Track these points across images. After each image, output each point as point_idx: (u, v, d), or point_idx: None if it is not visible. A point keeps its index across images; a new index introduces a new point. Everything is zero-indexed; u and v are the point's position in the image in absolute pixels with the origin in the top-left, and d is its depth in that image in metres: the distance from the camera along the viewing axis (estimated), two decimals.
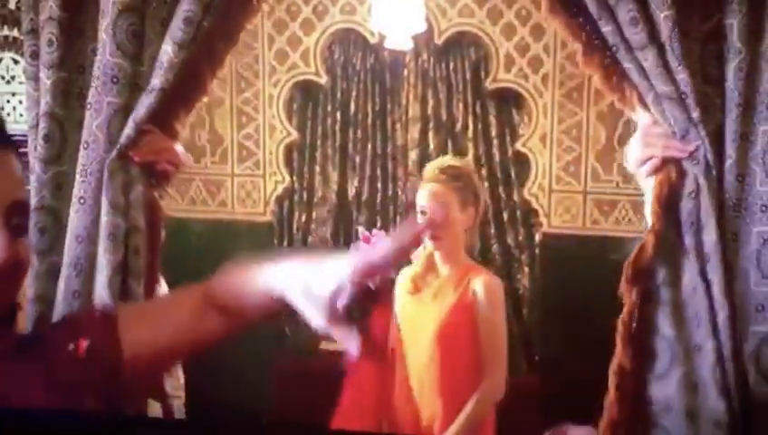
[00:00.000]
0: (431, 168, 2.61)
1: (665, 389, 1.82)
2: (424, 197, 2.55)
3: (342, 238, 3.56)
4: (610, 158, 3.25)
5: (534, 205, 3.38)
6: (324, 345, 3.30)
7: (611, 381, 1.83)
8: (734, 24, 1.73)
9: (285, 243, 3.57)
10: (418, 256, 2.64)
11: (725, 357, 1.75)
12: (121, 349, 1.16)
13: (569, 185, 3.32)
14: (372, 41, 3.35)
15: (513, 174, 3.47)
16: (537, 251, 3.48)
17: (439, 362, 2.53)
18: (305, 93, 3.53)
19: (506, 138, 3.46)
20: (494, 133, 3.47)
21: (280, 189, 3.51)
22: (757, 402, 1.76)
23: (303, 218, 3.60)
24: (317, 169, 3.59)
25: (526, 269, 3.49)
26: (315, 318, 0.99)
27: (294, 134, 3.47)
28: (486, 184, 3.49)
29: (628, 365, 1.79)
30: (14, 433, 0.83)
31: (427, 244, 2.60)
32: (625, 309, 1.82)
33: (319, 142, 3.56)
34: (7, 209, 0.97)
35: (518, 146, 3.36)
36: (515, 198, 3.46)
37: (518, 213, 3.48)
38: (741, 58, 1.73)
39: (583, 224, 3.34)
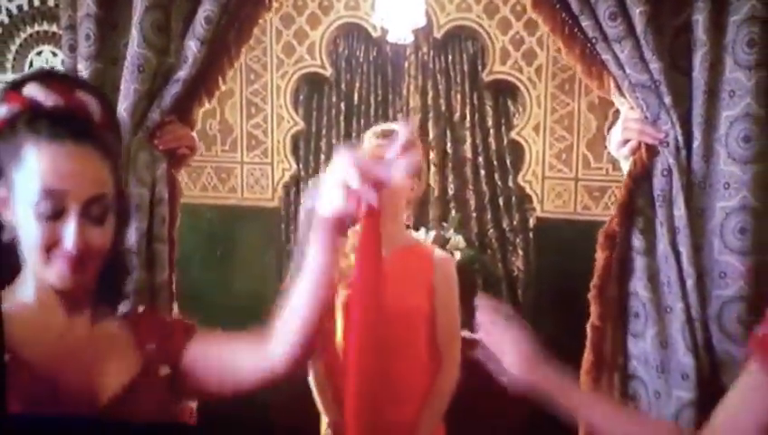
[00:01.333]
0: (377, 130, 2.41)
1: (641, 345, 2.02)
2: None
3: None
4: (600, 146, 3.39)
5: (528, 191, 3.54)
6: None
7: (588, 337, 2.06)
8: (699, 19, 1.90)
9: (292, 228, 3.70)
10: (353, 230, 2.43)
11: (693, 318, 1.93)
12: (181, 360, 1.35)
13: (561, 172, 3.48)
14: (375, 35, 3.51)
15: (508, 162, 3.63)
16: (531, 235, 3.64)
17: (398, 348, 2.30)
18: (311, 85, 3.68)
19: (502, 127, 3.63)
20: (490, 123, 3.63)
21: (287, 176, 3.66)
22: (719, 358, 1.96)
23: None
24: (322, 157, 3.72)
25: (520, 252, 3.66)
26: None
27: (301, 124, 3.62)
28: (483, 172, 3.69)
29: (598, 323, 2.00)
30: None
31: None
32: (596, 273, 2.04)
33: (324, 132, 3.71)
34: (86, 202, 1.15)
35: (513, 135, 3.52)
36: (510, 184, 3.62)
37: (513, 199, 3.64)
38: (706, 50, 1.91)
39: (574, 209, 3.50)
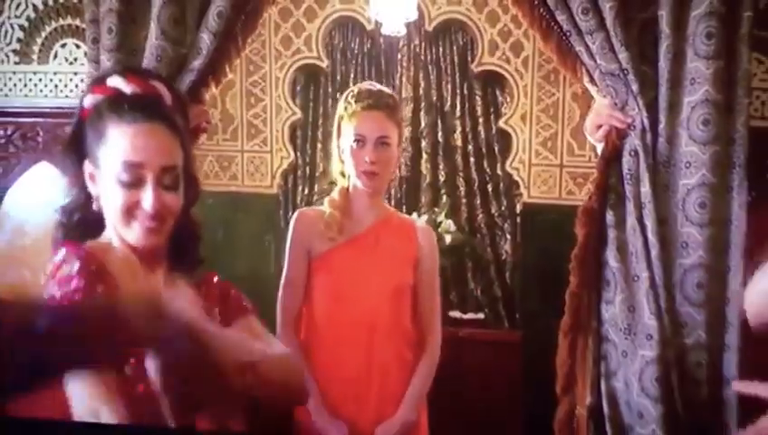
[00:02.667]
0: (373, 93, 2.32)
1: (612, 310, 2.27)
2: (365, 124, 2.26)
3: None
4: (584, 134, 3.62)
5: (516, 177, 3.69)
6: None
7: (567, 304, 2.30)
8: (663, 13, 2.15)
9: (290, 213, 3.90)
10: (332, 200, 2.39)
11: (657, 285, 2.18)
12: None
13: (546, 159, 3.65)
14: (369, 28, 3.66)
15: (496, 149, 3.81)
16: (518, 219, 3.80)
17: (388, 323, 2.33)
18: (308, 76, 3.85)
19: (491, 116, 3.80)
20: (479, 112, 3.81)
21: (285, 164, 3.81)
22: (681, 320, 2.20)
23: (306, 190, 3.94)
24: (319, 145, 3.91)
25: (508, 236, 3.84)
26: None
27: (298, 113, 3.77)
28: (473, 159, 3.91)
29: (576, 290, 2.25)
30: None
31: (345, 182, 2.35)
32: (577, 246, 2.28)
33: (320, 121, 3.88)
34: (159, 171, 1.38)
35: (501, 124, 3.68)
36: (499, 171, 3.80)
37: (501, 185, 3.82)
38: (669, 42, 2.16)
39: (560, 194, 3.66)
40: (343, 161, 2.34)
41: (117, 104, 1.39)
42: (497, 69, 3.66)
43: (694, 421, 2.20)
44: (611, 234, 2.23)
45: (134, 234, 1.41)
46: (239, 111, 3.79)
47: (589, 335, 2.29)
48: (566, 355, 2.28)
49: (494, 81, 3.77)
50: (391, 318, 2.33)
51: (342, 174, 2.37)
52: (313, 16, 3.71)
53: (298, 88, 3.89)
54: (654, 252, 2.17)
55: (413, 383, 2.34)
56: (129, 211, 1.39)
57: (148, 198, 1.38)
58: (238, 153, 3.83)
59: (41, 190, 2.57)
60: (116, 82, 1.41)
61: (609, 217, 2.23)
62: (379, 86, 2.41)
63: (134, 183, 1.37)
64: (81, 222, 1.48)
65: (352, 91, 2.34)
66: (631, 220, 2.20)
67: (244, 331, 1.56)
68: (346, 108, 2.31)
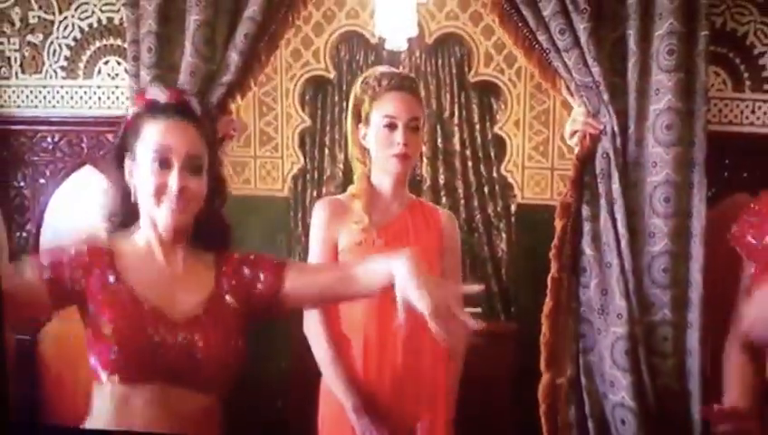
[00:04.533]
0: (396, 75, 2.32)
1: (588, 294, 2.63)
2: (395, 105, 2.23)
3: None
4: None
5: (510, 180, 3.98)
6: None
7: (549, 288, 2.66)
8: (631, 33, 2.51)
9: (300, 215, 4.18)
10: (355, 188, 2.36)
11: (626, 270, 2.53)
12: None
13: (539, 162, 3.93)
14: (373, 41, 3.94)
15: (492, 154, 4.07)
16: (513, 219, 4.08)
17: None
18: (316, 86, 4.12)
19: (486, 123, 4.07)
20: (476, 119, 4.08)
21: (295, 169, 4.09)
22: (648, 301, 2.55)
23: (315, 194, 4.18)
24: (326, 151, 4.17)
25: (504, 235, 4.10)
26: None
27: (307, 121, 4.06)
28: (470, 163, 4.19)
29: (557, 275, 2.61)
30: None
31: (364, 168, 2.33)
32: (556, 236, 2.65)
33: (328, 128, 4.15)
34: (184, 158, 1.68)
35: (496, 130, 3.97)
36: (494, 174, 4.07)
37: (497, 187, 4.08)
38: (636, 58, 2.52)
39: (551, 195, 3.89)
40: (365, 147, 2.30)
41: (154, 108, 1.73)
42: (492, 79, 3.94)
43: (659, 389, 2.55)
44: (587, 226, 2.59)
45: (162, 214, 1.70)
46: (252, 119, 4.06)
47: (568, 316, 2.65)
48: (549, 334, 2.63)
49: (489, 90, 4.04)
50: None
51: (361, 160, 2.33)
52: (321, 31, 4.00)
53: (307, 98, 4.16)
54: (624, 241, 2.52)
55: (449, 379, 2.35)
56: (159, 192, 1.68)
57: (174, 178, 1.67)
58: (251, 159, 4.10)
59: (84, 192, 2.96)
60: (154, 93, 1.78)
61: (585, 211, 2.59)
62: (396, 69, 2.43)
63: (162, 165, 1.68)
64: (123, 221, 1.79)
65: (371, 74, 2.31)
66: (604, 214, 2.56)
67: (301, 275, 1.83)
68: (366, 90, 2.28)
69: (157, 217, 1.73)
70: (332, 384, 2.28)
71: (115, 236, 1.79)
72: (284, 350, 3.53)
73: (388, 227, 2.27)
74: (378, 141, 2.24)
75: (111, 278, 1.72)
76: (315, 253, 2.31)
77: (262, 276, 1.81)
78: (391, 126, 2.21)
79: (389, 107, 2.21)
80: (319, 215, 2.32)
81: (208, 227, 1.81)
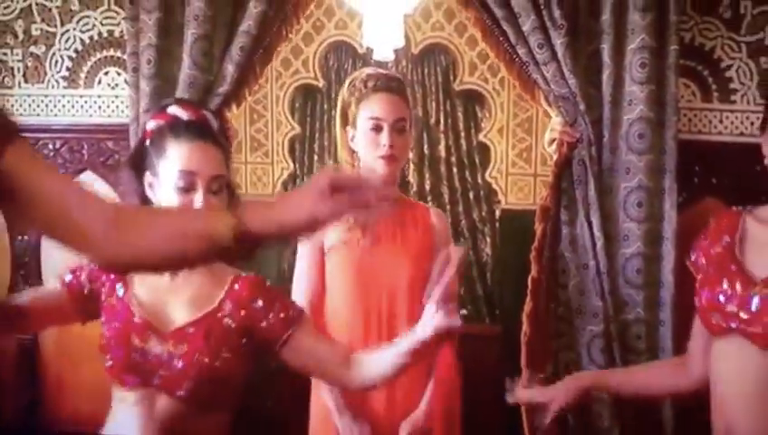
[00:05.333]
0: (382, 76, 2.31)
1: (566, 294, 2.79)
2: (381, 106, 2.23)
3: None
4: None
5: (494, 186, 4.10)
6: None
7: (529, 288, 2.82)
8: (605, 47, 2.69)
9: None
10: None
11: (602, 272, 2.70)
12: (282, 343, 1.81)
13: (522, 169, 4.06)
14: (361, 51, 4.05)
15: (477, 160, 4.21)
16: (497, 224, 4.20)
17: (407, 313, 2.27)
18: (305, 94, 4.24)
19: (471, 130, 4.20)
20: (461, 127, 4.21)
21: (285, 175, 4.19)
22: (622, 300, 2.72)
23: None
24: (315, 157, 4.28)
25: (488, 239, 4.24)
26: None
27: (297, 128, 4.17)
28: (455, 169, 4.28)
29: (536, 276, 2.78)
30: None
31: (354, 170, 2.28)
32: (536, 239, 2.82)
33: (317, 135, 4.26)
34: (208, 180, 1.77)
35: (481, 137, 4.10)
36: (479, 180, 4.21)
37: (481, 193, 4.21)
38: (611, 70, 2.69)
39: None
40: (353, 149, 2.30)
41: (176, 127, 1.82)
42: (477, 88, 4.08)
43: None
44: (564, 230, 2.77)
45: None
46: (243, 126, 4.15)
47: (548, 315, 2.81)
48: (529, 332, 2.79)
49: (473, 98, 4.17)
50: (410, 308, 2.25)
51: (350, 162, 2.33)
52: (310, 41, 4.12)
53: (296, 105, 4.27)
54: (599, 244, 2.70)
55: (433, 374, 2.34)
56: None
57: (199, 200, 1.77)
58: (242, 165, 4.19)
59: None
60: (174, 110, 1.91)
61: (563, 215, 2.76)
62: (383, 69, 2.41)
63: (188, 188, 1.77)
64: None
65: (358, 76, 2.32)
66: (581, 218, 2.73)
67: (308, 339, 1.85)
68: (353, 92, 2.29)
69: None
70: (317, 385, 2.33)
71: None
72: None
73: (373, 227, 2.28)
74: (364, 143, 2.25)
75: (120, 291, 1.85)
76: (302, 254, 2.35)
77: (272, 316, 1.84)
78: (377, 128, 2.22)
79: (375, 108, 2.22)
80: None
81: None
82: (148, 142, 1.86)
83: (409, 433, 2.27)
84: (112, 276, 1.86)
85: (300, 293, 2.31)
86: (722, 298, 1.82)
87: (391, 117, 2.22)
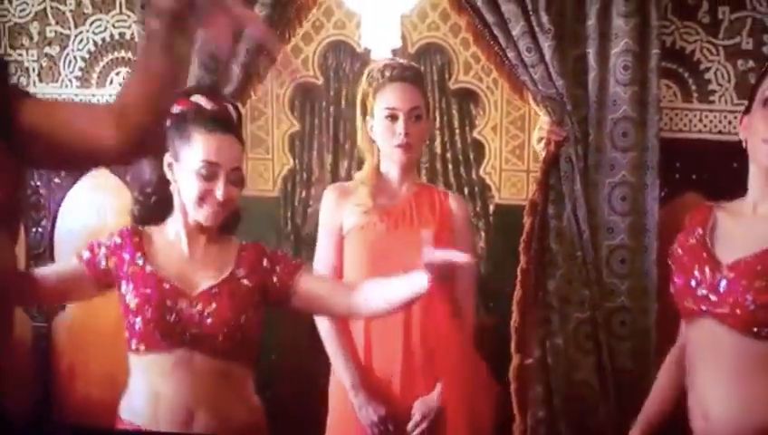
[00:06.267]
0: (398, 66, 2.38)
1: (553, 284, 2.98)
2: (396, 96, 2.31)
3: None
4: None
5: (488, 181, 4.21)
6: None
7: (518, 278, 3.03)
8: (591, 51, 2.88)
9: (289, 214, 4.40)
10: (361, 175, 2.45)
11: (588, 262, 2.90)
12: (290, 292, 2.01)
13: (515, 165, 4.15)
14: (359, 50, 4.13)
15: (471, 157, 4.30)
16: (491, 219, 4.30)
17: (421, 301, 2.15)
18: (305, 92, 4.32)
19: (466, 128, 4.30)
20: (456, 124, 4.31)
21: (285, 170, 4.29)
22: (606, 289, 2.92)
23: (304, 194, 4.41)
24: (314, 153, 4.38)
25: (483, 234, 4.36)
26: None
27: (297, 125, 4.27)
28: (451, 165, 4.38)
29: (525, 267, 2.98)
30: None
31: (373, 159, 2.40)
32: (525, 232, 3.02)
33: (316, 132, 4.36)
34: (229, 171, 1.94)
35: (475, 134, 4.21)
36: (474, 176, 4.31)
37: (476, 188, 4.31)
38: (596, 73, 2.89)
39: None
40: (372, 139, 2.39)
41: (201, 116, 1.98)
42: (471, 86, 4.16)
43: (617, 368, 2.93)
44: (552, 223, 2.95)
45: (203, 215, 1.97)
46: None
47: (536, 303, 3.00)
48: (519, 319, 3.00)
49: (468, 97, 4.26)
50: (427, 293, 2.18)
51: (369, 151, 2.42)
52: (310, 40, 4.21)
53: (296, 103, 4.34)
54: (585, 236, 2.90)
55: (460, 346, 2.43)
56: (203, 198, 1.95)
57: (220, 189, 1.94)
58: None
59: (96, 192, 3.33)
60: (198, 98, 2.07)
61: (551, 209, 2.95)
62: (400, 59, 2.52)
63: (210, 177, 1.95)
64: (156, 203, 2.07)
65: (375, 67, 2.42)
66: (567, 212, 2.92)
67: (312, 282, 2.05)
68: (371, 83, 2.37)
69: (196, 215, 2.01)
70: (334, 362, 2.42)
71: (148, 227, 2.10)
72: (274, 343, 3.84)
73: (390, 211, 2.38)
74: (381, 133, 2.34)
75: (140, 261, 2.03)
76: (322, 236, 2.45)
77: (278, 269, 2.04)
78: (393, 117, 2.30)
79: (390, 98, 2.31)
80: (327, 201, 2.47)
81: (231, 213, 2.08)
82: (168, 124, 1.98)
83: (422, 413, 2.37)
84: (130, 249, 2.04)
85: (320, 272, 2.39)
86: (693, 283, 2.03)
87: (406, 106, 2.31)
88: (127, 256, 2.04)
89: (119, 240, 2.08)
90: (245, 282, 2.04)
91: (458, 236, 2.41)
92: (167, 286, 2.01)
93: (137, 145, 1.39)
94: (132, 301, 2.01)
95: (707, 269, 1.99)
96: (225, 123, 2.02)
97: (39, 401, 3.42)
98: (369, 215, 2.37)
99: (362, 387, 2.36)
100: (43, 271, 2.17)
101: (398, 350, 2.38)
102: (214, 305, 1.99)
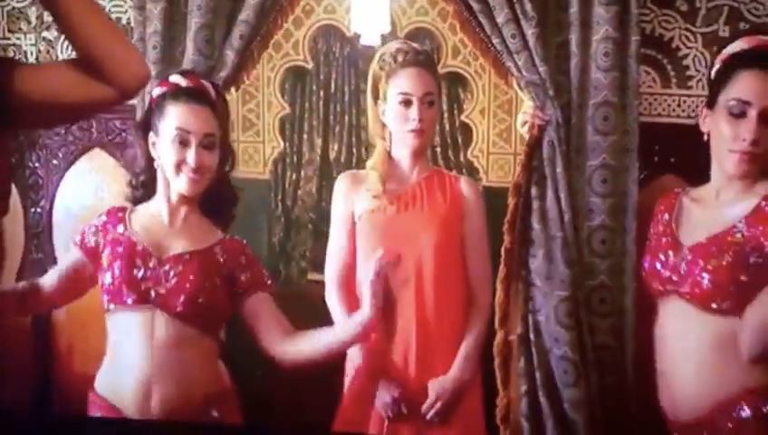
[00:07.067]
0: (411, 50, 2.41)
1: (536, 262, 3.10)
2: (410, 81, 2.36)
3: (324, 192, 4.41)
4: None
5: (476, 164, 4.37)
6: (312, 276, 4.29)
7: (502, 257, 3.15)
8: (573, 38, 2.99)
9: (280, 196, 4.57)
10: (372, 162, 2.52)
11: (569, 242, 3.01)
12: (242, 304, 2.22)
13: (502, 148, 4.33)
14: (348, 34, 4.29)
15: (459, 140, 4.49)
16: None
17: (435, 280, 2.43)
18: (295, 76, 4.49)
19: (454, 111, 4.46)
20: (444, 108, 4.38)
21: (276, 153, 4.44)
22: (587, 268, 3.05)
23: (294, 177, 4.57)
24: (305, 136, 4.54)
25: None
26: None
27: (287, 108, 4.40)
28: (439, 149, 4.52)
29: (509, 246, 3.12)
30: None
31: (384, 144, 2.46)
32: (509, 213, 3.16)
33: (306, 115, 4.53)
34: (200, 137, 2.17)
35: (463, 117, 4.37)
36: (462, 159, 4.49)
37: (464, 171, 4.38)
38: (578, 59, 3.00)
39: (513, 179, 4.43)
40: (384, 124, 2.46)
41: (175, 92, 2.21)
42: (459, 70, 4.32)
43: (598, 344, 3.07)
44: (535, 204, 3.06)
45: (181, 183, 2.20)
46: (235, 106, 4.33)
47: (519, 282, 3.13)
48: (503, 297, 3.10)
49: (456, 80, 4.41)
50: (438, 275, 2.43)
51: (381, 135, 2.50)
52: (300, 24, 4.35)
53: (287, 86, 4.50)
54: (567, 217, 3.01)
55: (466, 342, 2.53)
56: (179, 165, 2.18)
57: (191, 154, 2.17)
58: (235, 143, 4.14)
59: (93, 173, 3.47)
60: (176, 78, 2.28)
61: (534, 191, 3.06)
62: (411, 43, 2.57)
63: (183, 143, 2.16)
64: (145, 184, 2.29)
65: (387, 51, 2.48)
66: (550, 193, 3.04)
67: (259, 304, 2.26)
68: (382, 67, 2.45)
69: (176, 185, 2.22)
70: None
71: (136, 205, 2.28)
72: None
73: (400, 196, 2.48)
74: (394, 117, 2.41)
75: (120, 229, 2.24)
76: (335, 224, 2.56)
77: (250, 272, 2.27)
78: (406, 102, 2.38)
79: (404, 84, 2.38)
80: (339, 187, 2.56)
81: (218, 192, 2.30)
82: (153, 107, 2.25)
83: (437, 393, 2.49)
84: (113, 221, 2.25)
85: (333, 258, 2.54)
86: (659, 265, 2.21)
87: (420, 91, 2.39)
88: (110, 228, 2.25)
89: (105, 218, 2.28)
90: (219, 257, 2.24)
91: (470, 218, 2.56)
92: (139, 248, 2.21)
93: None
94: (106, 260, 2.20)
95: (671, 252, 2.17)
96: (197, 95, 2.22)
97: (38, 381, 3.57)
98: (379, 199, 2.46)
99: (379, 369, 2.48)
100: (48, 278, 2.36)
101: (412, 331, 2.48)
102: (180, 268, 2.18)
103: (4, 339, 2.64)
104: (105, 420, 2.16)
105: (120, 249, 2.22)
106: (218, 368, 2.35)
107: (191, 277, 2.17)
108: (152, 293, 2.17)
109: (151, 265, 2.19)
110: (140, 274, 2.18)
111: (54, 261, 3.36)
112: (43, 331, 3.56)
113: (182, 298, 2.16)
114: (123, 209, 2.35)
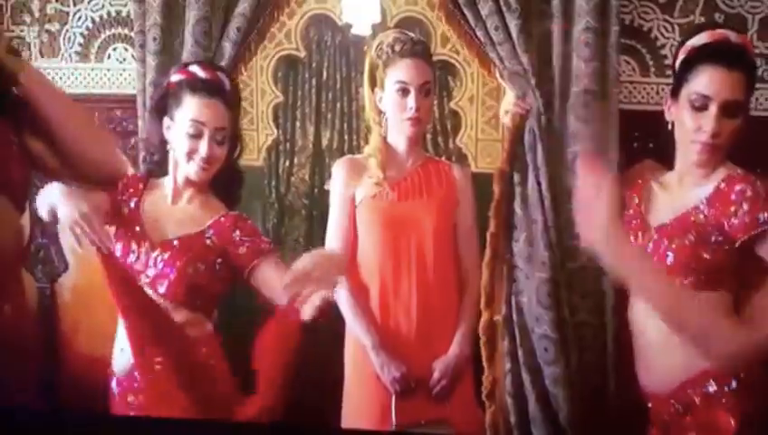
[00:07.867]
0: (409, 40, 2.50)
1: (519, 246, 3.28)
2: (408, 71, 2.45)
3: (317, 179, 4.54)
4: None
5: (465, 151, 4.39)
6: None
7: (488, 241, 3.28)
8: (555, 29, 3.16)
9: (273, 183, 4.63)
10: (371, 148, 2.60)
11: (549, 226, 3.18)
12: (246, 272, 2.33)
13: (490, 135, 4.30)
14: (340, 24, 4.33)
15: (448, 127, 4.54)
16: None
17: (433, 263, 2.55)
18: (288, 64, 4.54)
19: (443, 99, 4.47)
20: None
21: (269, 141, 4.49)
22: (567, 250, 3.22)
23: (287, 163, 4.63)
24: (297, 124, 4.60)
25: None
26: None
27: (280, 97, 4.47)
28: (429, 136, 4.46)
29: (494, 231, 3.28)
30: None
31: (380, 129, 2.55)
32: (494, 198, 3.32)
33: (299, 103, 4.58)
34: (213, 130, 2.32)
35: (452, 105, 4.41)
36: (451, 146, 4.53)
37: (453, 158, 4.40)
38: (559, 49, 3.16)
39: None
40: (381, 111, 2.55)
41: (193, 83, 2.36)
42: (448, 59, 4.33)
43: (578, 323, 3.26)
44: (517, 190, 3.24)
45: (192, 170, 2.37)
46: None
47: (503, 264, 3.31)
48: (488, 279, 3.26)
49: (446, 68, 4.41)
50: (436, 259, 2.56)
51: (377, 122, 2.59)
52: (293, 14, 4.35)
53: (279, 75, 4.54)
54: (547, 202, 3.18)
55: (463, 321, 2.68)
56: (190, 155, 2.35)
57: (204, 147, 2.34)
58: None
59: None
60: (195, 68, 2.44)
61: (516, 177, 3.25)
62: (408, 33, 2.67)
63: (196, 135, 2.33)
64: (158, 161, 2.46)
65: (384, 40, 2.58)
66: (531, 179, 3.21)
67: (266, 274, 2.36)
68: (380, 55, 2.55)
69: (186, 169, 2.39)
70: (353, 327, 2.63)
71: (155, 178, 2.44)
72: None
73: (400, 182, 2.59)
74: (391, 106, 2.51)
75: (132, 204, 2.41)
76: (335, 208, 2.65)
77: (246, 244, 2.38)
78: (404, 91, 2.48)
79: (402, 73, 2.48)
80: (338, 173, 2.66)
81: (226, 174, 2.45)
82: (170, 92, 2.40)
83: (441, 371, 2.61)
84: (132, 192, 2.41)
85: (333, 240, 2.64)
86: None
87: (417, 81, 2.49)
88: (126, 198, 2.41)
89: (126, 181, 2.42)
90: (209, 242, 2.39)
91: (462, 204, 2.70)
92: (138, 230, 2.38)
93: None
94: (114, 231, 2.38)
95: (640, 233, 2.35)
96: (213, 89, 2.37)
97: (44, 364, 3.67)
98: (380, 185, 2.59)
99: (382, 347, 2.56)
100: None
101: (413, 314, 2.60)
102: (167, 255, 2.35)
103: (9, 321, 2.79)
104: (109, 417, 2.32)
105: (123, 230, 2.41)
106: (212, 344, 2.50)
107: (177, 264, 2.34)
108: (142, 277, 2.36)
109: (143, 250, 2.37)
110: (134, 258, 2.37)
111: (58, 245, 3.56)
112: (49, 312, 3.70)
113: (165, 283, 2.34)
114: (143, 181, 2.50)
